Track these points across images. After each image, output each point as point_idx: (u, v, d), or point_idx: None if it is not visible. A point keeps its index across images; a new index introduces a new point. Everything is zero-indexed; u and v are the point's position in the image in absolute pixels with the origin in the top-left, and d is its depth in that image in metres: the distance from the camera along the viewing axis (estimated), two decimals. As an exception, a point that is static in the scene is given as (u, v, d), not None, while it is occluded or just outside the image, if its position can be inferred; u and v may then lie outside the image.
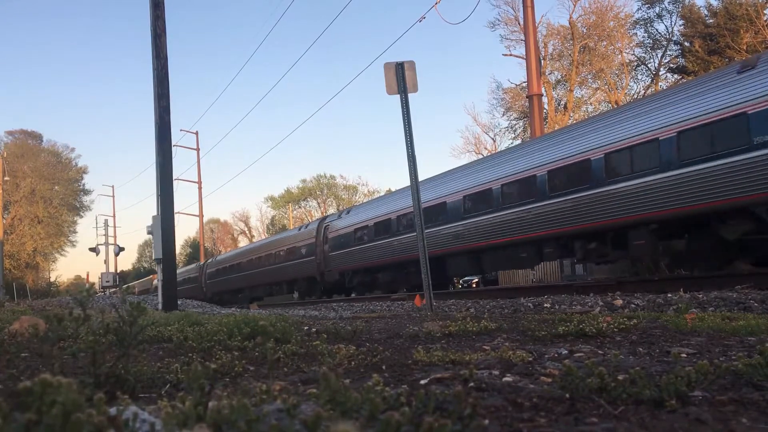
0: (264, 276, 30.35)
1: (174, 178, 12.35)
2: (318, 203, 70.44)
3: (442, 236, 17.17)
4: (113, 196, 67.62)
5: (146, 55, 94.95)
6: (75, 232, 67.63)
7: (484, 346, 3.49)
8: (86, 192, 66.79)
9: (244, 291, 33.47)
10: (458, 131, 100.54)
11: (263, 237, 60.19)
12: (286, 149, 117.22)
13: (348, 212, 24.16)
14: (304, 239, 26.38)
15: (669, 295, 8.34)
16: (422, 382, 2.31)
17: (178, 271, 45.55)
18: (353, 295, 23.25)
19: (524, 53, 23.06)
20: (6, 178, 46.35)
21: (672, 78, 34.16)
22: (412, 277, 18.79)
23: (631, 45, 36.71)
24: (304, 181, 71.57)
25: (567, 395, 1.89)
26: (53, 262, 67.28)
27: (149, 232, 13.19)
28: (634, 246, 12.28)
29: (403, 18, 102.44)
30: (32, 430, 1.01)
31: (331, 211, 62.49)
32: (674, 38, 34.91)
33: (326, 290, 25.20)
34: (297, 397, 1.38)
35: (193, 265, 46.28)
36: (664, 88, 28.20)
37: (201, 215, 48.47)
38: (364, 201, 23.74)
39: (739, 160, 10.21)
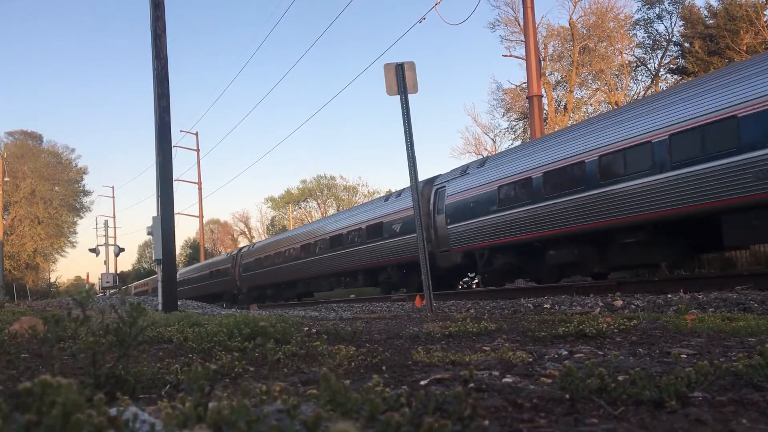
0: (329, 263, 23.40)
1: (174, 178, 12.36)
2: (318, 204, 70.43)
3: (723, 178, 10.12)
4: (113, 197, 67.94)
5: (146, 55, 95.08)
6: (75, 232, 67.76)
7: (484, 347, 3.49)
8: (86, 193, 66.93)
9: (297, 284, 26.93)
10: (458, 132, 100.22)
11: (263, 237, 59.61)
12: (286, 150, 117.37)
13: (482, 165, 16.63)
14: (400, 210, 19.14)
15: (669, 295, 8.35)
16: (422, 382, 2.31)
17: (202, 264, 42.85)
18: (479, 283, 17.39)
19: (524, 54, 23.06)
20: (6, 179, 46.38)
21: (672, 79, 34.18)
22: (619, 254, 12.77)
23: (631, 46, 36.76)
24: (304, 181, 71.58)
25: (567, 396, 1.89)
26: (53, 262, 67.39)
27: (149, 233, 13.21)
28: None
29: (403, 18, 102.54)
30: (32, 430, 1.01)
31: (332, 211, 62.29)
32: (674, 39, 34.95)
33: (437, 279, 19.36)
34: (297, 397, 1.38)
35: (222, 256, 40.39)
36: (665, 88, 28.22)
37: (201, 216, 48.50)
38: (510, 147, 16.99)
39: None
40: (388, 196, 21.67)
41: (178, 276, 42.40)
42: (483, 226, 15.57)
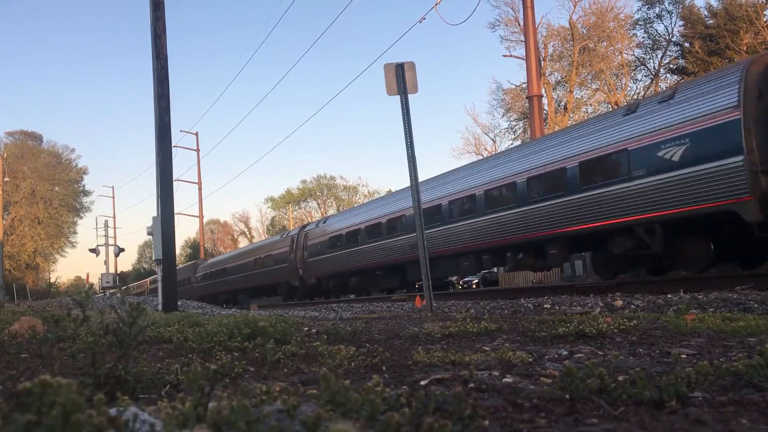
0: (478, 234, 15.21)
1: (174, 178, 12.36)
2: (318, 204, 70.43)
3: None
4: (113, 197, 67.79)
5: (146, 55, 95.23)
6: (75, 232, 67.92)
7: (484, 347, 3.49)
8: (86, 193, 67.02)
9: (405, 269, 18.76)
10: (458, 132, 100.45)
11: (263, 237, 59.06)
12: (286, 150, 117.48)
13: None
14: (648, 132, 11.25)
15: (669, 295, 8.35)
16: (422, 382, 2.31)
17: (242, 250, 37.73)
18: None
19: (524, 54, 23.06)
20: (6, 179, 46.40)
21: (672, 79, 34.18)
22: None
23: (631, 46, 36.80)
24: (304, 181, 71.65)
25: (567, 396, 1.89)
26: (53, 262, 67.51)
27: (149, 233, 13.19)
28: None
29: (403, 19, 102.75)
30: (32, 430, 1.01)
31: (332, 211, 62.15)
32: (674, 39, 34.99)
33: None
34: (297, 397, 1.38)
35: (275, 237, 32.01)
36: (665, 88, 28.16)
37: (201, 216, 48.48)
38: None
39: None
40: (613, 112, 13.73)
41: (204, 268, 40.14)
42: None
